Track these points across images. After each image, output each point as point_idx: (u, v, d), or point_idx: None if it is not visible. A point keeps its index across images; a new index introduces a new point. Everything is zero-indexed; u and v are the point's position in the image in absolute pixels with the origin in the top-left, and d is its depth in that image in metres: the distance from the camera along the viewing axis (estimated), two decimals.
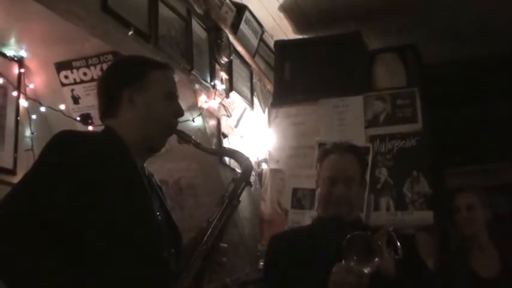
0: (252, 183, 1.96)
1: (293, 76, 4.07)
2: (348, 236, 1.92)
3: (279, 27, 4.43)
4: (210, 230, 1.75)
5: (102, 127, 1.80)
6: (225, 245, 1.80)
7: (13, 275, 1.44)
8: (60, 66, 3.03)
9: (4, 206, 1.50)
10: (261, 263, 3.45)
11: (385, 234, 2.00)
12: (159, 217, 1.70)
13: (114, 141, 1.69)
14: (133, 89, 1.75)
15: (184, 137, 1.83)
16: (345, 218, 2.18)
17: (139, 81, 1.76)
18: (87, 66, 3.01)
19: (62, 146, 1.61)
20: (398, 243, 1.97)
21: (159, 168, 1.88)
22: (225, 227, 1.78)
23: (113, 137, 1.71)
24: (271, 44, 4.46)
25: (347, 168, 2.25)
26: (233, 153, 2.00)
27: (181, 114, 1.85)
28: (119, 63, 1.95)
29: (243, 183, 1.86)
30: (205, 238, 1.73)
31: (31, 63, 2.95)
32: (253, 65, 4.30)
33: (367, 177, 2.39)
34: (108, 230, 1.54)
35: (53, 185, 1.51)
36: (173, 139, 1.85)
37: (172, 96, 1.82)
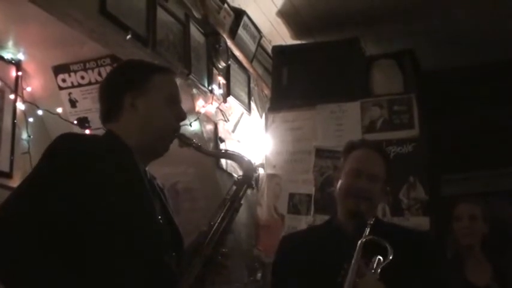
0: (254, 185, 1.96)
1: (290, 81, 4.07)
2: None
3: (277, 33, 4.44)
4: (211, 233, 1.75)
5: (100, 131, 1.79)
6: (226, 250, 1.80)
7: (14, 279, 1.43)
8: (58, 70, 3.03)
9: (4, 208, 1.49)
10: (259, 274, 3.44)
11: (361, 245, 1.98)
12: (161, 220, 1.70)
13: (116, 145, 1.69)
14: (135, 93, 1.74)
15: (185, 140, 1.83)
16: (363, 214, 2.09)
17: (141, 85, 1.76)
18: (85, 69, 3.00)
19: (64, 148, 1.60)
20: (388, 246, 1.96)
21: (155, 172, 1.87)
22: (226, 229, 1.78)
23: (114, 140, 1.70)
24: (269, 49, 4.47)
25: (374, 164, 2.18)
26: (233, 156, 2.01)
27: (184, 118, 1.84)
28: (121, 68, 1.95)
29: (245, 186, 1.86)
30: (207, 241, 1.73)
31: (29, 66, 2.95)
32: (250, 70, 4.30)
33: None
34: (109, 233, 1.53)
35: (54, 187, 1.50)
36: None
37: (174, 100, 1.81)
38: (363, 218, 2.08)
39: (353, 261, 1.93)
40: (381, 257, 1.96)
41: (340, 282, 1.90)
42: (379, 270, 1.94)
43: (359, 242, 1.99)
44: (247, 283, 3.05)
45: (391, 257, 1.94)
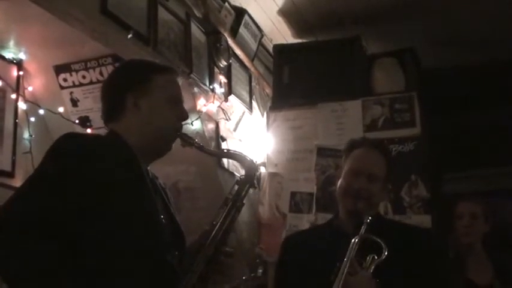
0: (256, 185, 1.96)
1: (292, 80, 4.07)
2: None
3: (278, 31, 4.44)
4: (213, 233, 1.75)
5: (101, 130, 1.80)
6: (231, 249, 1.80)
7: (16, 279, 1.44)
8: (59, 69, 3.03)
9: (6, 209, 1.50)
10: (260, 271, 3.44)
11: (356, 244, 1.99)
12: (163, 219, 1.70)
13: (118, 144, 1.70)
14: (138, 93, 1.75)
15: (187, 140, 1.84)
16: (361, 213, 2.09)
17: (143, 85, 1.77)
18: (86, 69, 3.00)
19: (66, 148, 1.61)
20: (383, 244, 1.96)
21: (157, 171, 1.87)
22: (229, 229, 1.78)
23: (116, 140, 1.71)
24: (270, 48, 4.46)
25: (373, 164, 2.17)
26: (235, 155, 2.01)
27: (186, 117, 1.85)
28: (123, 67, 1.96)
29: (247, 185, 1.87)
30: (209, 240, 1.74)
31: (30, 66, 2.95)
32: (252, 69, 4.30)
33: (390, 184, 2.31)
34: (111, 232, 1.54)
35: (56, 187, 1.51)
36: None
37: (176, 100, 1.82)
38: (360, 217, 2.09)
39: (345, 259, 1.94)
40: (375, 255, 1.96)
41: (333, 280, 1.91)
42: (372, 269, 1.94)
43: (352, 240, 1.99)
44: (248, 279, 3.05)
45: (384, 256, 1.94)
